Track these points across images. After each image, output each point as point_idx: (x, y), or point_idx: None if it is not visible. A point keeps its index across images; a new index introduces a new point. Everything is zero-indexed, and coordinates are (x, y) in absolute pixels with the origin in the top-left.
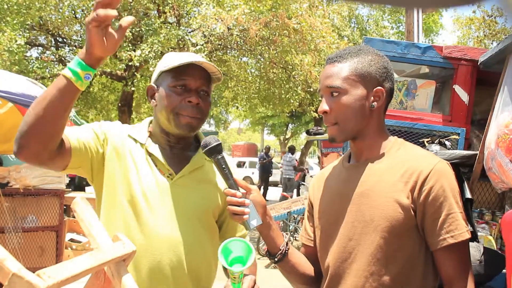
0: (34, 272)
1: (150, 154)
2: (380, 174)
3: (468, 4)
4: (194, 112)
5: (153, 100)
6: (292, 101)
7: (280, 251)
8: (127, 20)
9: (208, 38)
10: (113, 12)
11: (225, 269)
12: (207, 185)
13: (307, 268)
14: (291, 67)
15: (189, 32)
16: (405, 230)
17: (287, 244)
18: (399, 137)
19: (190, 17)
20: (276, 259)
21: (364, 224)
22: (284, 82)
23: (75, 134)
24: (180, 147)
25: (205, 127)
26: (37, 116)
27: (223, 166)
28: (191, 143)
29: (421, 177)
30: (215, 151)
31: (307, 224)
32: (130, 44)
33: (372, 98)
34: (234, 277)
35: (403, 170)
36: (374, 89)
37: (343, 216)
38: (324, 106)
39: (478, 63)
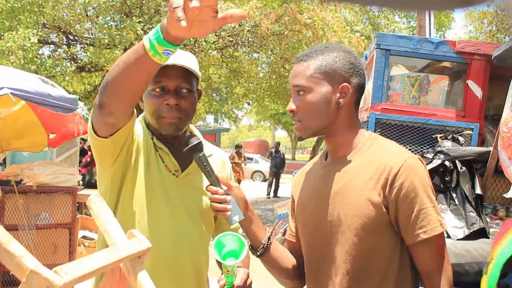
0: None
1: (157, 149)
2: (353, 172)
3: (468, 6)
4: (173, 113)
5: (141, 101)
6: None
7: (262, 245)
8: (235, 13)
9: (219, 33)
10: (195, 3)
11: (218, 262)
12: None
13: (290, 262)
14: None
15: None
16: (379, 227)
17: (269, 238)
18: (412, 133)
19: None
20: (258, 253)
21: (338, 223)
22: None
23: None
24: (178, 145)
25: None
26: (115, 75)
27: (205, 163)
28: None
29: (391, 173)
30: (196, 150)
31: (290, 220)
32: None
33: (338, 94)
34: (228, 271)
35: (375, 167)
36: (340, 85)
37: (319, 215)
38: (291, 105)
39: (492, 58)
